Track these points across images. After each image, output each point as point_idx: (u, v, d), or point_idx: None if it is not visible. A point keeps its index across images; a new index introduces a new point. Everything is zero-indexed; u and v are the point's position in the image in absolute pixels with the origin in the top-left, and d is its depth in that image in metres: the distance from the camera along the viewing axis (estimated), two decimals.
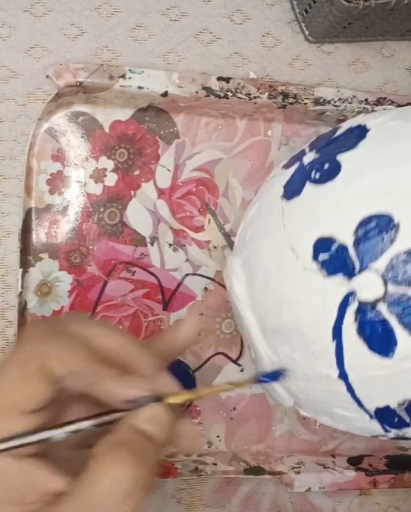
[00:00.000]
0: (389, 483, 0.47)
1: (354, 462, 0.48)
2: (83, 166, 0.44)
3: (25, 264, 0.43)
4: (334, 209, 0.33)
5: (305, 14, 0.45)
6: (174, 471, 0.44)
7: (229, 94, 0.43)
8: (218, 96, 0.43)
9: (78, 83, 0.41)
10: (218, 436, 0.47)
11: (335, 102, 0.45)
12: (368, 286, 0.31)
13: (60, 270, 0.44)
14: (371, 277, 0.31)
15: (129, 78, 0.42)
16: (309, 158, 0.36)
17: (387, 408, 0.33)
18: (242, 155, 0.47)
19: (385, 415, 0.33)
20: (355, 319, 0.31)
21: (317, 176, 0.34)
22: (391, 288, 0.30)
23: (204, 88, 0.43)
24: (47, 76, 0.42)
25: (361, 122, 0.36)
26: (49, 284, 0.44)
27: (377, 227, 0.31)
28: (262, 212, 0.38)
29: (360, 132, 0.35)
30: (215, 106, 0.44)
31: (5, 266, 0.43)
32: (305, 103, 0.45)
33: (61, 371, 0.25)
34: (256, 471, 0.46)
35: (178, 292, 0.46)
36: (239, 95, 0.44)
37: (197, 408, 0.46)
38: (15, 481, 0.24)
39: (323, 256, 0.32)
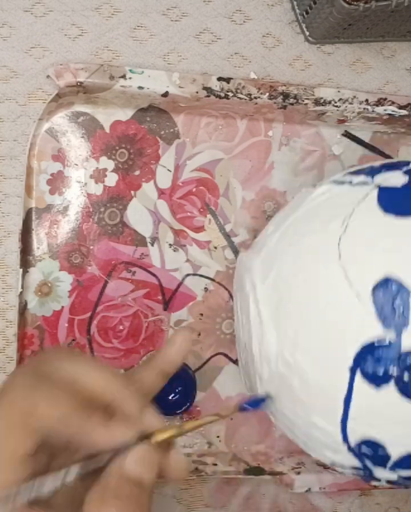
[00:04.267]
0: (389, 484, 0.47)
1: None
2: (83, 166, 0.44)
3: (25, 264, 0.43)
4: None
5: (305, 15, 0.45)
6: None
7: (230, 94, 0.43)
8: (218, 96, 0.43)
9: (79, 83, 0.41)
10: (218, 437, 0.47)
11: (335, 102, 0.45)
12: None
13: (60, 270, 0.44)
14: None
15: (130, 78, 0.42)
16: None
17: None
18: (243, 155, 0.47)
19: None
20: None
21: None
22: None
23: (205, 88, 0.43)
24: (48, 76, 0.42)
25: None
26: (49, 284, 0.44)
27: None
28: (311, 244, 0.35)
29: None
30: (216, 106, 0.44)
31: (5, 266, 0.43)
32: (305, 104, 0.45)
33: (46, 422, 0.25)
34: (256, 471, 0.46)
35: (178, 293, 0.46)
36: (239, 95, 0.44)
37: (197, 408, 0.46)
38: None
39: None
